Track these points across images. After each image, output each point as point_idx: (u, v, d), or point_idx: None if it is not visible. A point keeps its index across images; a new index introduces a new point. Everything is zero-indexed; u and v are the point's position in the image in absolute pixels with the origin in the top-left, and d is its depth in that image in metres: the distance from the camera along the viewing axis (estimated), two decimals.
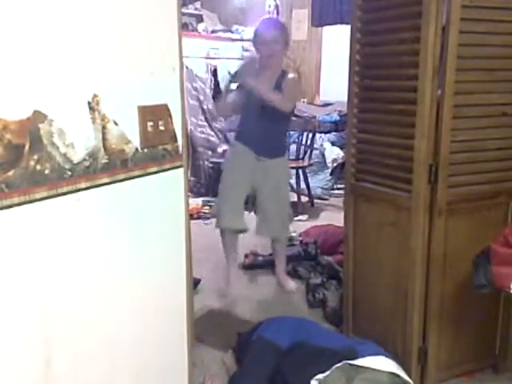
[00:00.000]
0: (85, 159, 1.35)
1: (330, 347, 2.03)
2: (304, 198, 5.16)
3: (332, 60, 6.40)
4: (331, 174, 5.60)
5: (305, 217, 4.70)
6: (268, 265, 3.57)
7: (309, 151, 5.20)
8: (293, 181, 5.31)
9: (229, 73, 3.10)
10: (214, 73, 5.91)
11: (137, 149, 1.50)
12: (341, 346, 2.04)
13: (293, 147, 5.35)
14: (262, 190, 3.07)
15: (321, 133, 5.73)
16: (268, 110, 2.86)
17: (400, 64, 2.08)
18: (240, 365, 2.22)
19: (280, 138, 3.17)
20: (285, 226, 3.21)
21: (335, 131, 5.86)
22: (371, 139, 2.24)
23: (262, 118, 2.91)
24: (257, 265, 3.60)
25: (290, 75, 3.00)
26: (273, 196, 3.07)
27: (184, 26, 5.28)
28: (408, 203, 2.04)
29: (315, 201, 5.28)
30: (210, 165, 5.55)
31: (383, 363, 1.91)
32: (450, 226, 2.04)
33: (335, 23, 6.13)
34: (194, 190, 5.34)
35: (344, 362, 1.90)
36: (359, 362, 1.90)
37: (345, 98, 2.31)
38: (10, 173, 1.18)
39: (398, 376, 1.88)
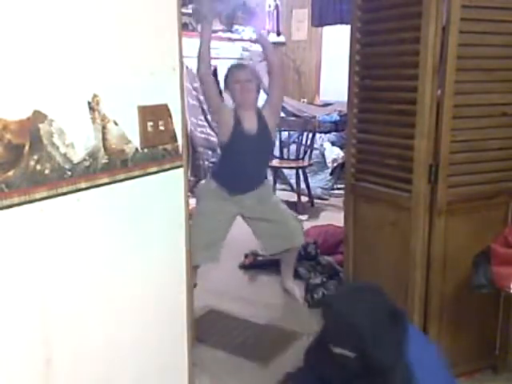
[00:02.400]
0: (85, 159, 1.35)
1: None
2: (304, 198, 5.16)
3: (332, 60, 6.40)
4: (331, 174, 5.60)
5: (305, 217, 4.70)
6: (268, 265, 3.56)
7: (309, 151, 5.20)
8: (293, 181, 5.32)
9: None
10: (214, 73, 5.90)
11: (137, 149, 1.50)
12: None
13: (293, 147, 5.36)
14: (252, 215, 2.95)
15: (321, 133, 5.73)
16: (257, 142, 2.81)
17: (400, 64, 2.08)
18: None
19: (265, 167, 3.13)
20: (298, 232, 3.09)
21: (335, 131, 5.86)
22: (371, 139, 2.24)
23: (252, 154, 2.82)
24: (257, 265, 3.60)
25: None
26: (269, 215, 2.96)
27: (184, 26, 5.26)
28: (408, 203, 2.04)
29: (315, 201, 5.28)
30: (210, 165, 5.55)
31: None
32: (450, 226, 2.04)
33: (335, 23, 6.13)
34: (194, 190, 5.34)
35: None
36: None
37: (345, 98, 2.31)
38: (10, 173, 1.18)
39: None
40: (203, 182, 3.11)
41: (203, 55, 2.78)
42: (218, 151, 5.35)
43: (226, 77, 2.91)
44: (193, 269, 2.87)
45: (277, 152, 5.33)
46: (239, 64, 3.11)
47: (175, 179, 1.67)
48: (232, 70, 2.92)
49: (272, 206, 3.02)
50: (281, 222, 2.98)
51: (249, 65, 3.13)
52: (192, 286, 1.92)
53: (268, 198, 3.04)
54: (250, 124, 2.81)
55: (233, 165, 2.87)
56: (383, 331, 1.50)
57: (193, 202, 4.58)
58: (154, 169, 1.57)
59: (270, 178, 4.76)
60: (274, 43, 5.40)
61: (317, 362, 1.64)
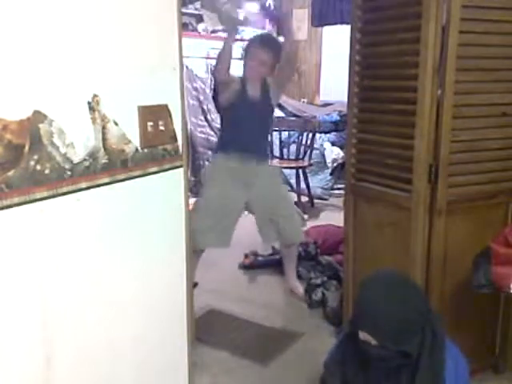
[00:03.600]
0: (85, 159, 1.35)
1: None
2: (304, 198, 5.16)
3: (332, 60, 6.40)
4: (331, 174, 5.60)
5: (305, 217, 4.70)
6: (268, 265, 3.57)
7: (309, 151, 5.21)
8: (293, 181, 5.31)
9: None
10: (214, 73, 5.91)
11: (137, 149, 1.50)
12: None
13: (293, 147, 5.36)
14: (256, 200, 2.95)
15: (321, 133, 5.73)
16: (259, 107, 2.85)
17: (400, 64, 2.07)
18: None
19: (266, 139, 3.14)
20: (299, 229, 3.13)
21: (335, 131, 5.86)
22: (371, 139, 2.24)
23: (252, 117, 2.86)
24: (257, 265, 3.60)
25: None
26: (270, 201, 2.98)
27: (184, 26, 5.27)
28: (408, 203, 2.04)
29: (315, 201, 5.28)
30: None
31: None
32: (450, 226, 2.04)
33: (335, 23, 6.13)
34: (193, 189, 5.34)
35: None
36: None
37: (345, 98, 2.31)
38: (10, 173, 1.18)
39: None
40: (208, 165, 3.09)
41: (225, 57, 2.76)
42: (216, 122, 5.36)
43: (248, 47, 2.92)
44: (196, 255, 2.80)
45: (277, 152, 5.34)
46: (265, 39, 3.03)
47: (175, 179, 1.67)
48: (255, 44, 2.89)
49: (280, 198, 3.05)
50: (285, 217, 3.00)
51: (275, 41, 3.06)
52: (192, 285, 1.92)
53: (277, 187, 3.06)
54: (254, 90, 2.86)
55: (235, 130, 2.88)
56: (409, 329, 1.47)
57: (193, 201, 4.58)
58: (154, 169, 1.57)
59: None
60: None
61: (343, 357, 1.62)
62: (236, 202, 2.89)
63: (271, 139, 5.07)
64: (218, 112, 5.83)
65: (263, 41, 2.92)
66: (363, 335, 1.49)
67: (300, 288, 3.17)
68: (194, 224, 2.69)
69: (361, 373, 1.57)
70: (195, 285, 2.95)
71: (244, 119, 2.85)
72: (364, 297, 1.52)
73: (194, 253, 2.83)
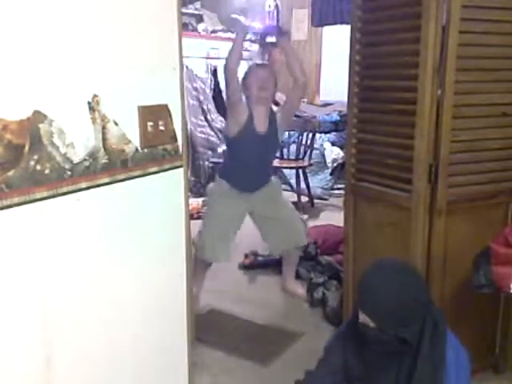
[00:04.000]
0: (85, 159, 1.35)
1: None
2: (304, 198, 5.16)
3: (332, 60, 6.40)
4: (331, 174, 5.60)
5: (305, 217, 4.69)
6: (268, 265, 3.57)
7: (309, 151, 5.20)
8: (293, 181, 5.31)
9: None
10: (214, 73, 5.90)
11: (137, 149, 1.50)
12: None
13: (293, 147, 5.36)
14: (261, 214, 3.02)
15: (321, 133, 5.73)
16: (265, 142, 2.86)
17: (400, 64, 2.07)
18: None
19: (269, 167, 3.17)
20: (302, 233, 3.15)
21: (335, 131, 5.86)
22: (371, 139, 2.24)
23: (258, 152, 2.87)
24: (257, 265, 3.60)
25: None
26: (274, 213, 3.02)
27: (184, 26, 5.27)
28: (408, 203, 2.04)
29: (315, 201, 5.28)
30: (210, 165, 5.56)
31: None
32: (450, 225, 2.04)
33: (335, 23, 6.13)
34: (193, 189, 5.34)
35: None
36: None
37: (345, 98, 2.31)
38: (10, 173, 1.18)
39: None
40: (212, 184, 3.18)
41: (235, 51, 2.80)
42: (220, 150, 5.42)
43: (246, 74, 2.95)
44: (205, 267, 3.04)
45: (277, 152, 5.34)
46: (260, 63, 3.18)
47: (175, 179, 1.67)
48: (252, 67, 2.99)
49: (280, 205, 3.08)
50: (287, 221, 3.04)
51: (268, 65, 3.16)
52: (192, 285, 1.92)
53: (277, 196, 3.10)
54: (262, 123, 2.86)
55: (239, 163, 2.91)
56: (408, 316, 1.48)
57: (192, 201, 4.59)
58: (154, 169, 1.57)
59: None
60: (274, 43, 5.40)
61: (344, 341, 1.64)
62: (238, 210, 2.97)
63: None
64: (219, 112, 5.86)
65: (256, 65, 3.08)
66: (363, 317, 1.51)
67: (299, 288, 3.17)
68: (203, 240, 2.93)
69: (360, 355, 1.59)
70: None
71: (249, 154, 2.87)
72: (365, 280, 1.54)
73: (203, 265, 3.02)
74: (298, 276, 3.34)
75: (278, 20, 6.56)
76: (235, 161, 2.96)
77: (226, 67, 2.81)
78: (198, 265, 2.96)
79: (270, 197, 3.02)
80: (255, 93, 2.83)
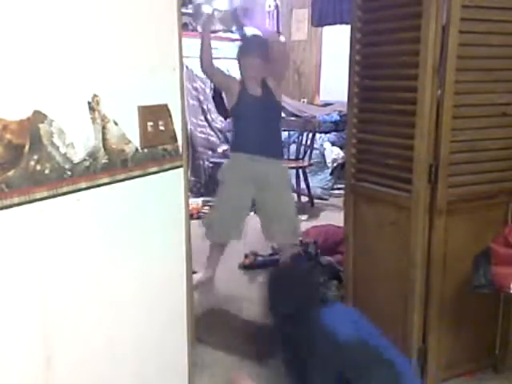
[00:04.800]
0: (85, 159, 1.35)
1: (388, 357, 1.74)
2: (304, 198, 5.15)
3: (332, 60, 6.39)
4: (331, 174, 5.59)
5: (305, 217, 4.70)
6: (268, 265, 3.56)
7: (309, 151, 5.20)
8: (293, 181, 5.31)
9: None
10: None
11: (137, 149, 1.50)
12: (395, 359, 1.76)
13: (293, 147, 5.35)
14: (265, 200, 3.09)
15: (321, 133, 5.72)
16: (263, 103, 2.96)
17: (400, 64, 2.07)
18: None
19: (276, 134, 3.21)
20: (296, 229, 3.22)
21: (335, 131, 5.85)
22: (371, 139, 2.24)
23: (257, 114, 2.98)
24: (257, 265, 3.60)
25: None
26: (277, 203, 3.09)
27: (184, 26, 5.27)
28: (408, 203, 2.04)
29: (315, 201, 5.28)
30: (210, 165, 5.55)
31: None
32: (450, 225, 2.04)
33: (335, 23, 6.13)
34: (193, 189, 5.34)
35: None
36: None
37: (345, 98, 2.31)
38: (10, 173, 1.18)
39: None
40: (226, 162, 3.35)
41: (204, 51, 3.07)
42: (220, 150, 5.43)
43: (239, 52, 3.08)
44: (220, 247, 3.21)
45: (280, 119, 5.32)
46: (245, 47, 3.17)
47: (175, 179, 1.67)
48: (239, 55, 3.08)
49: (285, 199, 3.16)
50: (286, 217, 3.11)
51: (256, 43, 3.14)
52: (192, 286, 1.91)
53: (282, 183, 3.16)
54: (255, 88, 3.00)
55: (243, 126, 3.06)
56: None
57: (192, 201, 4.58)
58: (154, 169, 1.57)
59: None
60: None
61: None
62: (244, 199, 3.07)
63: None
64: (219, 112, 5.85)
65: (245, 49, 3.10)
66: None
67: None
68: (214, 221, 3.07)
69: None
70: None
71: (249, 117, 2.99)
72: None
73: (217, 247, 3.18)
74: None
75: (278, 20, 6.56)
76: (240, 127, 3.11)
77: (201, 69, 3.05)
78: (212, 248, 3.18)
79: (277, 182, 3.08)
80: (245, 71, 3.01)
